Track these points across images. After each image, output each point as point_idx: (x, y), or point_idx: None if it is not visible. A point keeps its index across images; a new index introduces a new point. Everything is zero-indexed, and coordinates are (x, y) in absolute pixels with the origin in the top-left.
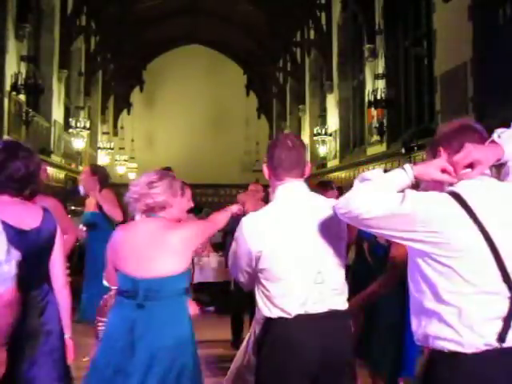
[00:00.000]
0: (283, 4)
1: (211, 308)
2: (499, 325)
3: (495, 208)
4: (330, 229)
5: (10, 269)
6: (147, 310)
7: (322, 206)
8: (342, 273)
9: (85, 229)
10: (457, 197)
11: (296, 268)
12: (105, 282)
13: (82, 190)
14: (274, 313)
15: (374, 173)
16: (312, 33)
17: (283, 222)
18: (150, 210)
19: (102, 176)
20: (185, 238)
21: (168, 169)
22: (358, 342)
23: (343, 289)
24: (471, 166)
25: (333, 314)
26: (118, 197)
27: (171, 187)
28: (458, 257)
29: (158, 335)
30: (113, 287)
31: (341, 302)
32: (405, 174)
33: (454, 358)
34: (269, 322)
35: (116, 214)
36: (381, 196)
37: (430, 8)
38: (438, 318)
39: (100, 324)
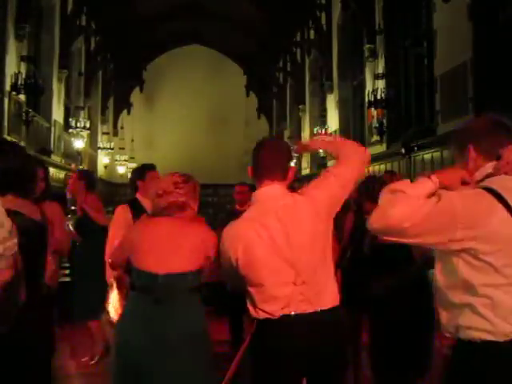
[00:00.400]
0: (283, 4)
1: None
2: None
3: None
4: (308, 228)
5: (12, 245)
6: (164, 305)
7: (300, 206)
8: (324, 271)
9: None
10: (492, 192)
11: (272, 272)
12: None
13: (68, 193)
14: (261, 314)
15: (403, 183)
16: (312, 33)
17: (258, 227)
18: (169, 208)
19: (88, 181)
20: (203, 239)
21: (151, 166)
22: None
23: (328, 286)
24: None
25: (320, 314)
26: (114, 197)
27: (194, 191)
28: (495, 251)
29: (175, 330)
30: (113, 273)
31: (328, 300)
32: (431, 182)
33: (487, 347)
34: (257, 323)
35: (100, 219)
36: (417, 202)
37: (430, 8)
38: (471, 309)
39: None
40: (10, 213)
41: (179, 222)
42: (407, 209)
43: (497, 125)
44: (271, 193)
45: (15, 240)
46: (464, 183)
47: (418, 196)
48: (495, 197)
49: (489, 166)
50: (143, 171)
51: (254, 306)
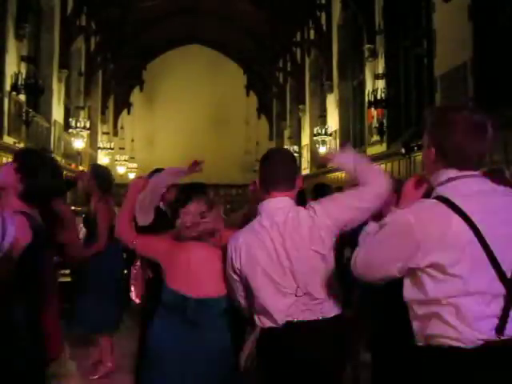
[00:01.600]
0: (283, 4)
1: None
2: (495, 321)
3: (485, 209)
4: (309, 241)
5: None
6: (194, 328)
7: (303, 219)
8: (327, 281)
9: (83, 229)
10: (446, 201)
11: (274, 283)
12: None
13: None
14: (265, 323)
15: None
16: (312, 33)
17: (261, 239)
18: (200, 237)
19: (101, 181)
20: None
21: (158, 170)
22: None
23: (331, 295)
24: None
25: (322, 322)
26: (114, 197)
27: (219, 215)
28: (457, 261)
29: (204, 353)
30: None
31: (331, 309)
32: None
33: (455, 354)
34: (261, 331)
35: (101, 240)
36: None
37: (430, 8)
38: (439, 318)
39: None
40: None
41: (210, 247)
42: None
43: (468, 126)
44: (276, 205)
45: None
46: (421, 183)
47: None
48: (449, 206)
49: (449, 172)
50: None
51: (258, 315)
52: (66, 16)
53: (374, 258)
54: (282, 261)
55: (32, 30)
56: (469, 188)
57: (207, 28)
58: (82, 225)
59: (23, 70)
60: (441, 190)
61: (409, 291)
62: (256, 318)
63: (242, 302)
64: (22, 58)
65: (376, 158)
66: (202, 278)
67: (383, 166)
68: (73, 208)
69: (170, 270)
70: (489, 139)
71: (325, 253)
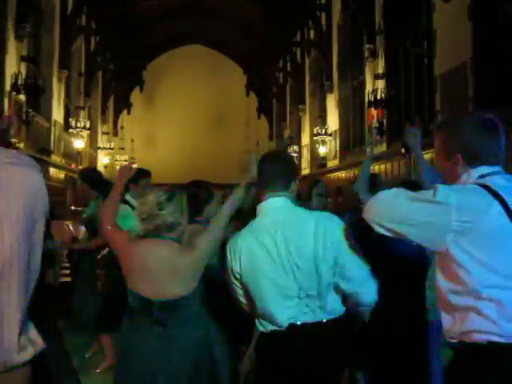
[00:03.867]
0: (283, 4)
1: None
2: None
3: None
4: (309, 242)
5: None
6: (164, 327)
7: (302, 220)
8: (329, 282)
9: (83, 229)
10: (487, 188)
11: (275, 286)
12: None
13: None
14: (267, 327)
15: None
16: (312, 33)
17: (261, 240)
18: (158, 230)
19: (91, 182)
20: (194, 262)
21: (146, 173)
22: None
23: (333, 297)
24: None
25: (324, 324)
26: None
27: (181, 206)
28: (493, 247)
29: (176, 352)
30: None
31: (333, 310)
32: None
33: (493, 349)
34: (262, 335)
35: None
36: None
37: (430, 8)
38: (476, 312)
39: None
40: None
41: (170, 249)
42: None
43: (484, 126)
44: (274, 205)
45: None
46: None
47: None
48: (491, 194)
49: (481, 169)
50: (137, 175)
51: (260, 318)
52: (66, 16)
53: (401, 210)
54: (284, 263)
55: (32, 30)
56: (502, 181)
57: (207, 28)
58: (82, 227)
59: (23, 70)
60: (479, 182)
61: (442, 282)
62: (257, 322)
63: (244, 305)
64: (21, 58)
65: (376, 158)
66: (164, 278)
67: (383, 166)
68: (73, 208)
69: (129, 272)
70: (502, 135)
71: (315, 255)
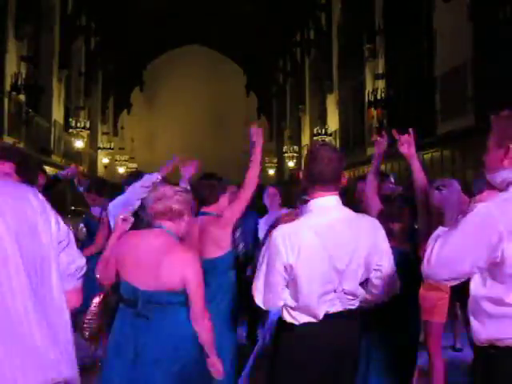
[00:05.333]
0: (283, 4)
1: None
2: None
3: None
4: (357, 241)
5: (82, 266)
6: (147, 320)
7: (351, 220)
8: (359, 281)
9: (84, 230)
10: None
11: (321, 281)
12: (98, 277)
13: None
14: (300, 319)
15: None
16: (312, 33)
17: (316, 234)
18: (165, 214)
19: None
20: (182, 260)
21: (139, 174)
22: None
23: (360, 294)
24: None
25: (347, 314)
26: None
27: (190, 204)
28: None
29: (158, 345)
30: (104, 284)
31: (355, 303)
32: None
33: None
34: (291, 326)
35: (99, 239)
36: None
37: (430, 8)
38: (510, 317)
39: (86, 323)
40: None
41: (165, 239)
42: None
43: None
44: (328, 204)
45: (83, 261)
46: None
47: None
48: None
49: None
50: (141, 177)
51: (295, 310)
52: (66, 16)
53: (452, 254)
54: (333, 259)
55: (32, 30)
56: None
57: (207, 28)
58: (82, 224)
59: (23, 70)
60: None
61: (479, 287)
62: (288, 314)
63: (278, 298)
64: (21, 58)
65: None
66: (150, 270)
67: (383, 166)
68: (73, 208)
69: (124, 264)
70: None
71: (365, 256)
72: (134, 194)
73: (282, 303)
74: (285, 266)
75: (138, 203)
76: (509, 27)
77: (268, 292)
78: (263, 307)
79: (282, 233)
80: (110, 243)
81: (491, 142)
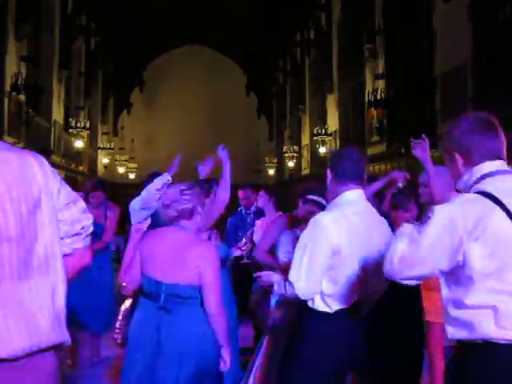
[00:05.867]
0: (284, 4)
1: None
2: None
3: None
4: (383, 235)
5: (89, 225)
6: (169, 313)
7: (375, 213)
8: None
9: None
10: (488, 195)
11: (357, 267)
12: (122, 283)
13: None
14: (333, 307)
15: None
16: (312, 33)
17: (355, 224)
18: (180, 217)
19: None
20: (201, 255)
21: (156, 173)
22: None
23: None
24: None
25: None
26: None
27: (200, 197)
28: (496, 254)
29: (181, 337)
30: (130, 289)
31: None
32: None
33: (491, 348)
34: (323, 314)
35: (107, 235)
36: (413, 244)
37: (430, 8)
38: (474, 319)
39: (118, 328)
40: None
41: (187, 236)
42: (409, 259)
43: (478, 124)
44: (359, 197)
45: (90, 221)
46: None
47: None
48: (492, 200)
49: (478, 169)
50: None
51: (329, 297)
52: (66, 16)
53: (414, 256)
54: (369, 246)
55: (32, 29)
56: (503, 183)
57: (207, 28)
58: None
59: (23, 70)
60: (479, 187)
61: (445, 290)
62: (320, 301)
63: (319, 285)
64: (21, 58)
65: (376, 158)
66: (173, 264)
67: (383, 166)
68: None
69: (146, 259)
70: (500, 132)
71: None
72: (150, 197)
73: (319, 290)
74: (333, 250)
75: (155, 206)
76: (509, 27)
77: (309, 279)
78: (302, 296)
79: (327, 218)
80: (127, 253)
81: (444, 156)
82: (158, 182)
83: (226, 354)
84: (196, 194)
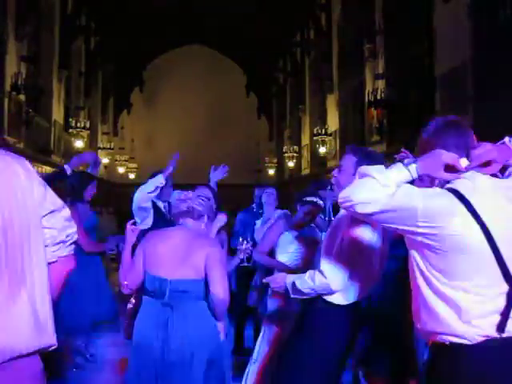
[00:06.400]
0: (283, 4)
1: None
2: (497, 318)
3: (492, 204)
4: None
5: (73, 233)
6: (175, 309)
7: None
8: None
9: None
10: (455, 193)
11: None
12: (123, 282)
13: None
14: (338, 300)
15: (376, 168)
16: (312, 33)
17: None
18: (187, 213)
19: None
20: (208, 252)
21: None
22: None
23: None
24: (486, 163)
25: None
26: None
27: (211, 210)
28: (457, 251)
29: (192, 332)
30: (131, 288)
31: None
32: (407, 172)
33: (456, 350)
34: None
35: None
36: (379, 192)
37: (430, 8)
38: (438, 313)
39: (128, 324)
40: None
41: (190, 233)
42: (367, 197)
43: (444, 125)
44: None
45: (74, 229)
46: (449, 169)
47: (386, 184)
48: (458, 198)
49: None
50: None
51: (340, 293)
52: (66, 16)
53: (374, 205)
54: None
55: (32, 30)
56: (473, 183)
57: (207, 28)
58: None
59: (23, 70)
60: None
61: (412, 281)
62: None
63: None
64: (22, 58)
65: None
66: (179, 261)
67: (383, 165)
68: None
69: (150, 257)
70: (470, 133)
71: None
72: (143, 198)
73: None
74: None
75: (150, 207)
76: (509, 27)
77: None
78: (335, 288)
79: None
80: (125, 252)
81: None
82: (150, 185)
83: (221, 326)
84: (210, 206)
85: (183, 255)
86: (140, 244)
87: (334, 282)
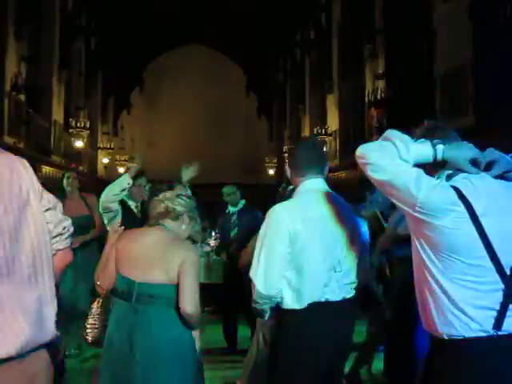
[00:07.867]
0: (284, 4)
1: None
2: (494, 314)
3: (493, 205)
4: (349, 223)
5: (69, 226)
6: (141, 313)
7: (341, 202)
8: (356, 266)
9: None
10: (457, 191)
11: (316, 259)
12: (96, 282)
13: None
14: (302, 303)
15: (400, 137)
16: (312, 33)
17: (310, 212)
18: (165, 214)
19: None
20: (183, 256)
21: (141, 173)
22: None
23: (356, 280)
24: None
25: (345, 303)
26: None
27: (193, 210)
28: (450, 245)
29: (155, 338)
30: (103, 288)
31: (352, 292)
32: (432, 152)
33: (453, 344)
34: (290, 313)
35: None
36: (392, 165)
37: (430, 8)
38: (436, 307)
39: (89, 328)
40: None
41: (167, 235)
42: (383, 163)
43: (431, 129)
44: (317, 186)
45: (70, 222)
46: (475, 164)
47: (405, 157)
48: (459, 196)
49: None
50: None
51: (297, 292)
52: (66, 16)
53: (382, 174)
54: (328, 235)
55: (32, 29)
56: (477, 183)
57: (207, 28)
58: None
59: (23, 70)
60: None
61: (416, 275)
62: (291, 298)
63: (280, 279)
64: (22, 58)
65: None
66: (150, 263)
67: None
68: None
69: (122, 258)
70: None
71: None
72: (108, 199)
73: (281, 285)
74: (288, 234)
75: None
76: (509, 27)
77: (268, 274)
78: (265, 292)
79: (282, 207)
80: (104, 252)
81: None
82: (116, 186)
83: (197, 334)
84: (190, 204)
85: (156, 257)
86: (114, 243)
87: (259, 284)
